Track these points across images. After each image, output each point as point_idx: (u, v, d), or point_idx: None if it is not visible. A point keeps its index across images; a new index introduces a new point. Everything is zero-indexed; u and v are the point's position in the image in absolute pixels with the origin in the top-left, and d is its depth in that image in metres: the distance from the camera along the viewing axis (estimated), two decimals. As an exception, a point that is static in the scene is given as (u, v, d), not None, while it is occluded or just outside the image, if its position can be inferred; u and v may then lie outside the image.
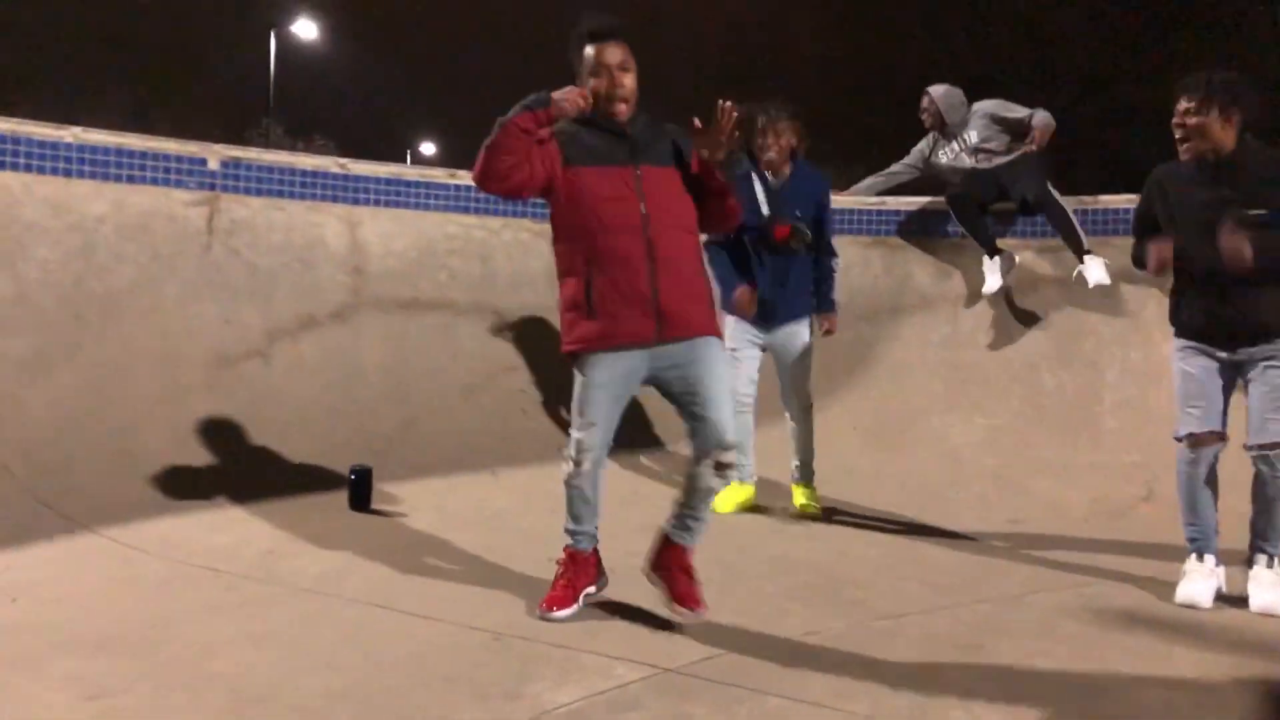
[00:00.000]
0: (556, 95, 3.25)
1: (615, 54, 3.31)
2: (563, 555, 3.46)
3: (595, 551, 3.50)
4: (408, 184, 6.32)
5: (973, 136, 6.72)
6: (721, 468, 3.28)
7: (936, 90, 6.77)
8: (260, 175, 5.85)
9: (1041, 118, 6.57)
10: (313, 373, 5.71)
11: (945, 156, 6.82)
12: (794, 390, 5.20)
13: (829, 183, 5.48)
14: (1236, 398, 3.88)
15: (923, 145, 6.98)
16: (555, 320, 6.53)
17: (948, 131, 6.77)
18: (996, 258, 6.55)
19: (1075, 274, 6.28)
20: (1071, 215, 6.39)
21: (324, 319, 5.86)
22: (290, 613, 3.36)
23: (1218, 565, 3.82)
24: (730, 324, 5.02)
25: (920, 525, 4.90)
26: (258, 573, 3.80)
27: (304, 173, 5.99)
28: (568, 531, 3.46)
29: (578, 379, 3.37)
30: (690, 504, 3.35)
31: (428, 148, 40.77)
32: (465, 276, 6.42)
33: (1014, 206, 6.67)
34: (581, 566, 3.44)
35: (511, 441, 5.91)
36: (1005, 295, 6.62)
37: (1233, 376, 3.83)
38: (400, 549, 4.16)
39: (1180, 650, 3.23)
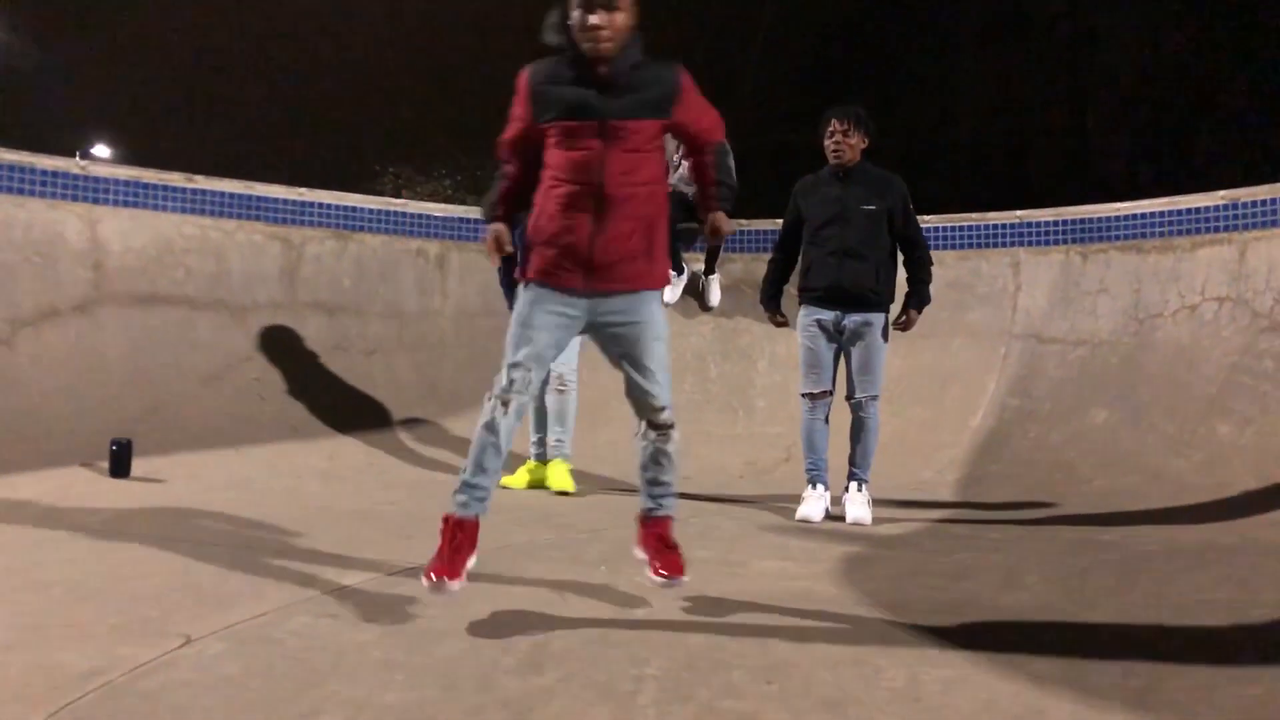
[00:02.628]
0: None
1: None
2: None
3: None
4: (145, 186, 6.75)
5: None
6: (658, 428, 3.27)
7: None
8: (-1, 173, 6.13)
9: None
10: (56, 361, 6.07)
11: (676, 168, 7.79)
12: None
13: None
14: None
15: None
16: (286, 316, 7.20)
17: None
18: (680, 274, 7.81)
19: (700, 285, 7.69)
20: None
21: (66, 311, 6.22)
22: (89, 546, 3.91)
23: (826, 491, 5.16)
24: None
25: (613, 483, 6.02)
26: (44, 522, 4.28)
27: (44, 172, 6.31)
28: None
29: None
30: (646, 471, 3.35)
31: (101, 150, 38.30)
32: (201, 274, 6.93)
33: (696, 227, 7.92)
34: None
35: (252, 424, 6.50)
36: (683, 301, 7.90)
37: (839, 344, 5.17)
38: (171, 505, 4.74)
39: (794, 543, 4.47)
